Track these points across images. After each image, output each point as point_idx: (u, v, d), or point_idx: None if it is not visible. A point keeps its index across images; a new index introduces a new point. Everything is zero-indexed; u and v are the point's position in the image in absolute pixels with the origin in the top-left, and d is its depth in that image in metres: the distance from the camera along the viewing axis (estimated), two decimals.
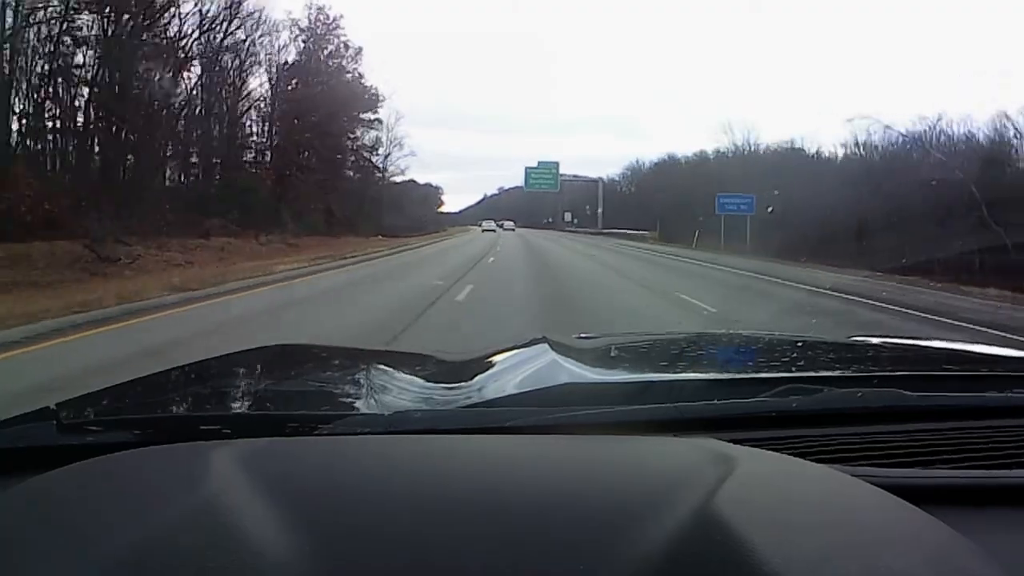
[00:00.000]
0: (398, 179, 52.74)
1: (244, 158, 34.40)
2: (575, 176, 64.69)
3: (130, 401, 1.22)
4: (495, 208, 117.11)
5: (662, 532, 0.55)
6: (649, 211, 50.38)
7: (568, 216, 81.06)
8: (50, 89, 21.51)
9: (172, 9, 25.01)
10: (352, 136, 44.64)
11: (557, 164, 59.13)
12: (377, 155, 48.14)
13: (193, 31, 27.06)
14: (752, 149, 41.00)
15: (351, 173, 44.83)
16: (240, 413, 1.12)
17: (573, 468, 0.72)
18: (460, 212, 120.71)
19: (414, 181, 68.39)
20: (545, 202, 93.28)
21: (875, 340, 1.92)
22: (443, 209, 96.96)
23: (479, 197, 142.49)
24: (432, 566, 0.53)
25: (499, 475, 0.70)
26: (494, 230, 70.86)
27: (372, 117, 46.33)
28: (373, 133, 46.74)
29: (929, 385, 1.15)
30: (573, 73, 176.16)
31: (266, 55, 34.42)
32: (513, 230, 76.42)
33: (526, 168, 58.55)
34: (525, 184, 59.43)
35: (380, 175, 48.49)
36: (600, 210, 61.81)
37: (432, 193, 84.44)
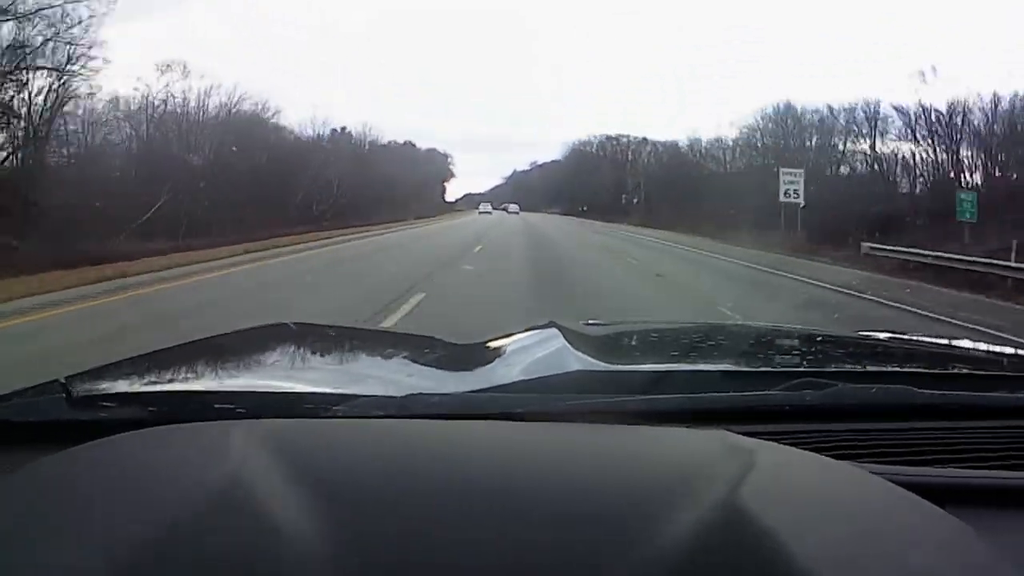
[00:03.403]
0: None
1: None
2: None
3: (140, 376, 1.23)
4: (524, 186, 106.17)
5: (683, 524, 0.54)
6: None
7: None
8: None
9: None
10: None
11: None
12: None
13: None
14: None
15: None
16: (255, 391, 1.12)
17: (587, 457, 0.72)
18: (486, 192, 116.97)
19: (411, 144, 57.49)
20: (596, 176, 65.87)
21: (883, 336, 1.94)
22: (470, 190, 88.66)
23: (509, 174, 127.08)
24: (444, 549, 0.53)
25: (513, 462, 0.69)
26: (490, 213, 65.05)
27: None
28: None
29: (941, 383, 1.14)
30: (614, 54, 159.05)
31: None
32: (517, 213, 65.56)
33: None
34: None
35: None
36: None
37: (437, 161, 69.51)
